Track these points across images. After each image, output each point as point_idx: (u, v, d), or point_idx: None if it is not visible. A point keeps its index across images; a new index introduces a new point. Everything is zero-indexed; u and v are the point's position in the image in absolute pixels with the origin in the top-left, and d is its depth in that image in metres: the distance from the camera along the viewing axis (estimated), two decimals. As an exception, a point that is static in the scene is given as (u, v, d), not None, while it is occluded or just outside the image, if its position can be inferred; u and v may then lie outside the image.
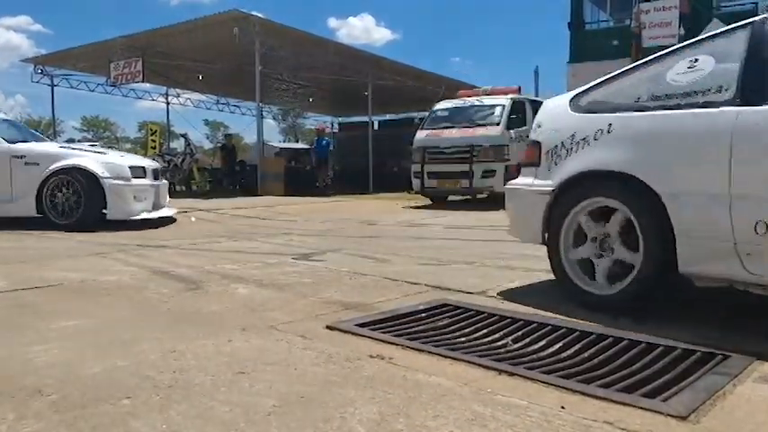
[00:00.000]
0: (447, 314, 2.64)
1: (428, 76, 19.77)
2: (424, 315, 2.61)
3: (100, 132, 54.36)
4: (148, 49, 16.10)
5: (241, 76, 17.10)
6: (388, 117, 25.98)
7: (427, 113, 12.05)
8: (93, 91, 20.87)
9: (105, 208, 6.40)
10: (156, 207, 7.07)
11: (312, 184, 15.58)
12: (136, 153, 16.12)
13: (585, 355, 2.08)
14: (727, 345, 2.08)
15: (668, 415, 1.54)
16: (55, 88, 19.39)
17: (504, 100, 10.58)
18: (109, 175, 6.44)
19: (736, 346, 2.06)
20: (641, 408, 1.59)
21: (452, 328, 2.45)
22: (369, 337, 2.26)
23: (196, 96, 24.34)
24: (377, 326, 2.42)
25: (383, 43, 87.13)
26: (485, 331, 2.39)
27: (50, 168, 6.42)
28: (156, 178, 7.22)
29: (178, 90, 22.84)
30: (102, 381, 1.81)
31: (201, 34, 14.67)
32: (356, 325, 2.42)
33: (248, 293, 3.12)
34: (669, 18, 15.70)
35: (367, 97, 18.68)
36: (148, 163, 7.40)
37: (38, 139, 7.66)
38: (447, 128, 10.50)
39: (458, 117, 10.73)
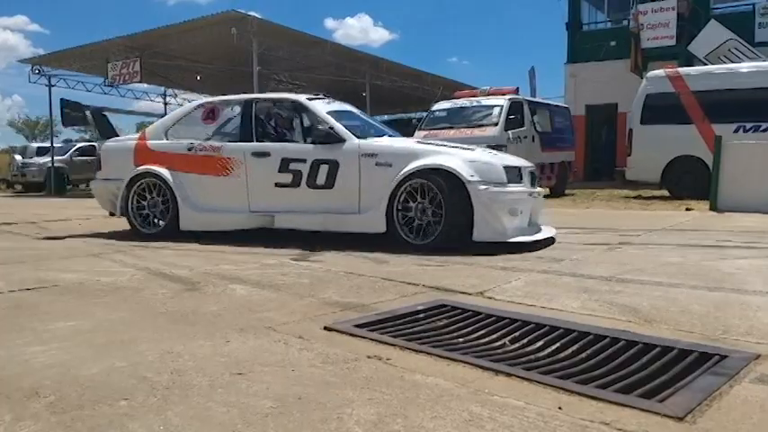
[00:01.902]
0: (445, 315, 2.64)
1: (426, 76, 19.80)
2: (421, 316, 2.61)
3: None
4: (146, 50, 16.10)
5: (239, 77, 17.09)
6: (386, 117, 26.00)
7: (425, 114, 12.05)
8: (90, 91, 20.81)
9: (472, 225, 4.56)
10: (530, 225, 5.03)
11: None
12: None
13: (583, 355, 2.08)
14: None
15: (665, 415, 1.54)
16: (52, 88, 19.35)
17: (502, 101, 10.59)
18: (478, 179, 4.58)
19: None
20: (638, 408, 1.59)
21: (450, 328, 2.45)
22: (366, 338, 2.26)
23: (194, 97, 24.28)
24: (375, 326, 2.42)
25: (381, 44, 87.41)
26: (483, 332, 2.39)
27: (405, 170, 4.77)
28: (532, 184, 5.16)
29: (176, 90, 22.83)
30: (100, 382, 1.81)
31: (199, 34, 14.67)
32: (354, 326, 2.43)
33: (246, 294, 3.12)
34: (667, 19, 15.75)
35: (365, 98, 18.69)
36: (523, 163, 5.33)
37: (391, 132, 6.06)
38: (445, 128, 10.51)
39: (456, 118, 10.74)
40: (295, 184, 5.25)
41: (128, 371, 1.90)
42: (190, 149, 5.71)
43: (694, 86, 10.53)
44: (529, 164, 5.42)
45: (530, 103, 11.59)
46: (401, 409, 1.59)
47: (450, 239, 4.62)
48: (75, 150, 21.45)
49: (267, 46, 14.58)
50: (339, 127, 5.27)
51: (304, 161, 5.22)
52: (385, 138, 5.56)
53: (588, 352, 2.10)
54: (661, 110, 10.70)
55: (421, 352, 2.10)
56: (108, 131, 6.75)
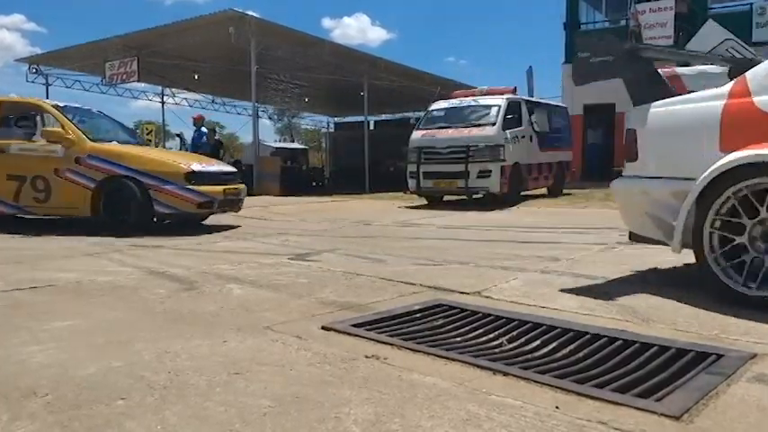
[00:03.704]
0: (442, 314, 2.64)
1: (424, 76, 19.80)
2: (419, 315, 2.61)
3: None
4: (144, 49, 16.10)
5: (237, 76, 17.11)
6: (384, 117, 26.02)
7: (423, 113, 12.05)
8: (88, 90, 20.81)
9: None
10: None
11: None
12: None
13: (580, 354, 2.08)
14: None
15: (662, 415, 1.54)
16: (50, 88, 19.32)
17: (500, 100, 10.58)
18: None
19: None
20: (635, 408, 1.59)
21: (448, 328, 2.45)
22: (364, 338, 2.26)
23: (192, 96, 24.29)
24: (372, 326, 2.42)
25: (379, 43, 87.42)
26: (480, 331, 2.39)
27: None
28: None
29: (174, 89, 22.80)
30: (97, 381, 1.81)
31: (197, 34, 14.66)
32: (351, 325, 2.43)
33: (243, 294, 3.11)
34: (665, 19, 15.78)
35: (363, 97, 18.70)
36: None
37: None
38: (443, 128, 10.51)
39: (453, 117, 10.74)
40: None
41: (125, 370, 1.90)
42: None
43: (692, 86, 10.53)
44: None
45: (527, 102, 11.59)
46: (399, 409, 1.59)
47: None
48: None
49: (265, 45, 14.56)
50: None
51: None
52: None
53: (585, 351, 2.10)
54: (659, 109, 10.69)
55: (418, 351, 2.10)
56: (651, 89, 3.01)
